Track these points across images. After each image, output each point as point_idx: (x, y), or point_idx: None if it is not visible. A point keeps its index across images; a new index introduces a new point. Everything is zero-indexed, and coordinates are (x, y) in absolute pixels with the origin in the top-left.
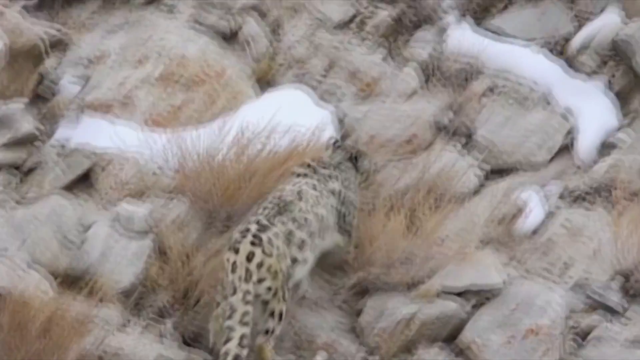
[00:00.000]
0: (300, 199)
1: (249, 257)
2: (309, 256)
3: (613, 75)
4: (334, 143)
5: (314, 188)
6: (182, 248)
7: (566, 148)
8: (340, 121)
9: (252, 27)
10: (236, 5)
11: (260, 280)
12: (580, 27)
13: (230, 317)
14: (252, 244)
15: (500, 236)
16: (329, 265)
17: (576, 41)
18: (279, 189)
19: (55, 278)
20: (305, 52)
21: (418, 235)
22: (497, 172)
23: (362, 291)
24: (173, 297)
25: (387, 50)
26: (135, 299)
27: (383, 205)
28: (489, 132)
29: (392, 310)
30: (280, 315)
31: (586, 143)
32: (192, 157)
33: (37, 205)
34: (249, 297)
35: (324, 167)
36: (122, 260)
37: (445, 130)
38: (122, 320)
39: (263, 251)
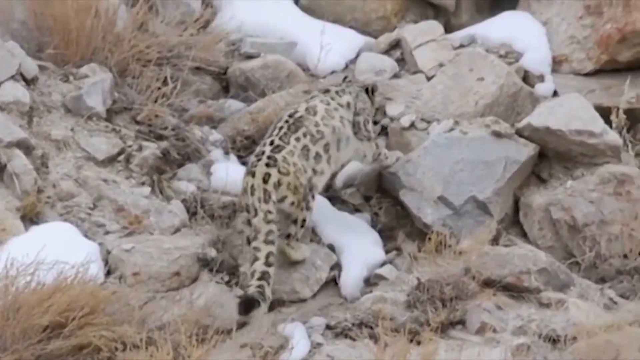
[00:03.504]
0: (312, 113)
1: (265, 179)
2: (325, 168)
3: (378, 211)
4: (344, 78)
5: (326, 103)
6: None
7: (332, 282)
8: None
9: (18, 162)
10: (3, 140)
11: (282, 199)
12: None
13: (255, 238)
14: (267, 165)
15: None
16: None
17: (342, 176)
18: (292, 107)
19: None
20: (71, 188)
21: None
22: None
23: None
24: None
25: (153, 185)
26: None
27: (147, 341)
28: None
29: None
30: (303, 221)
31: (351, 277)
32: None
33: None
34: (270, 217)
35: (336, 87)
36: None
37: (211, 264)
38: None
39: (279, 171)
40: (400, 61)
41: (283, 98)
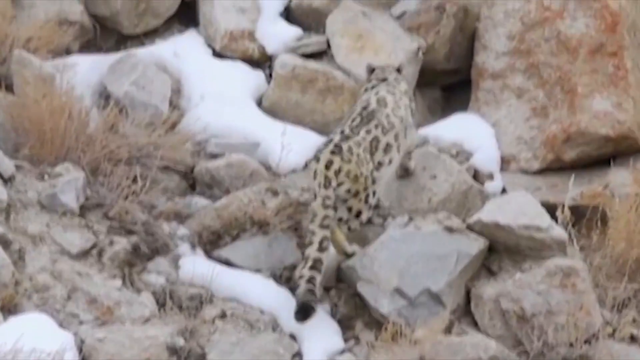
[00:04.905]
0: (384, 105)
1: (327, 165)
2: (395, 156)
3: (337, 302)
4: (368, 67)
5: (392, 93)
6: None
7: None
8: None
9: None
10: None
11: (339, 184)
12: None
13: (312, 220)
14: (332, 152)
15: None
16: None
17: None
18: (363, 100)
19: None
20: (47, 280)
21: None
22: None
23: None
24: None
25: (124, 278)
26: None
27: None
28: (220, 354)
29: None
30: (358, 213)
31: None
32: None
33: None
34: (328, 202)
35: (391, 75)
36: None
37: (179, 353)
38: None
39: (342, 159)
40: None
41: (246, 195)
